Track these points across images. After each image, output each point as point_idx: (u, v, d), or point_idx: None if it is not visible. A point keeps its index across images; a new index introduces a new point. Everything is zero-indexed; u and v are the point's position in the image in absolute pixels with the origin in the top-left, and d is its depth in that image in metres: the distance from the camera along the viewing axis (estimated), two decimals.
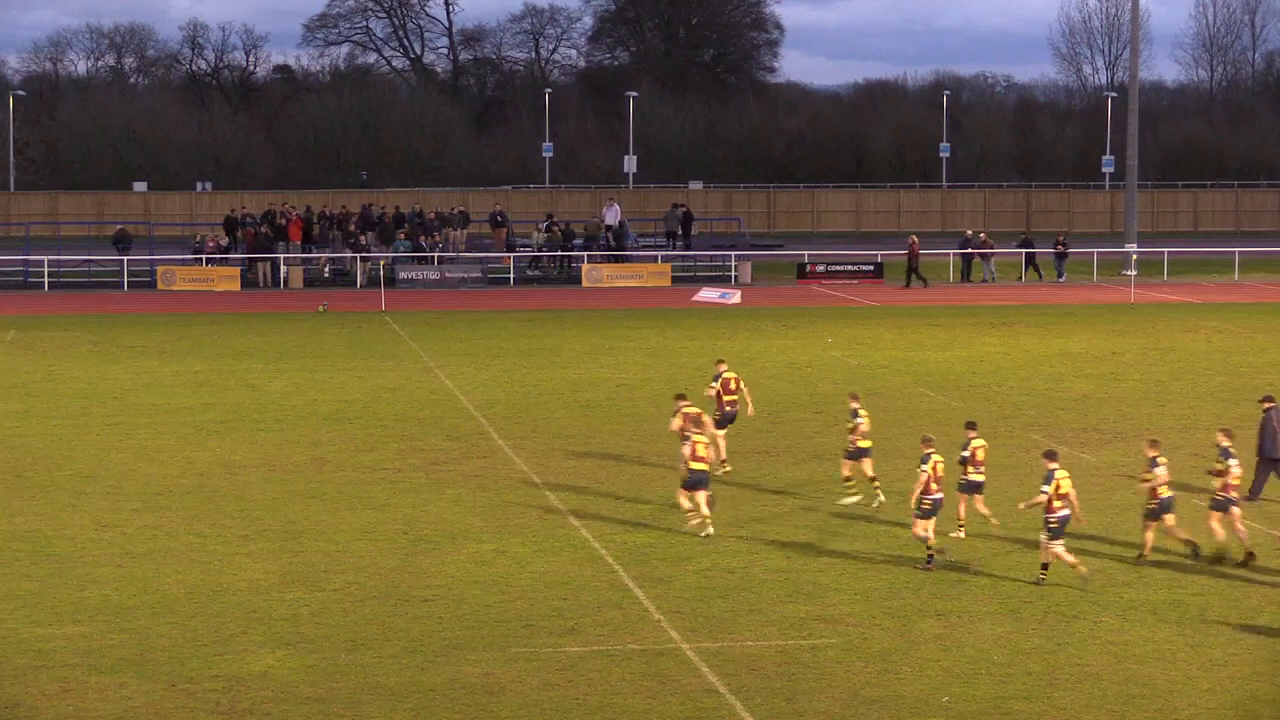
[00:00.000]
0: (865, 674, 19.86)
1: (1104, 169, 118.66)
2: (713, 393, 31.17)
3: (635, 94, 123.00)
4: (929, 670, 20.01)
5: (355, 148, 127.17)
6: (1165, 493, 24.63)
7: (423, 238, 71.26)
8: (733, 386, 31.13)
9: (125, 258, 71.14)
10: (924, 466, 24.44)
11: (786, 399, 39.84)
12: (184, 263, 70.59)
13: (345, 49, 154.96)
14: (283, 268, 69.61)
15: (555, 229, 74.21)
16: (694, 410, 28.33)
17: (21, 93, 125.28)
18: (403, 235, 70.80)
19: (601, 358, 46.83)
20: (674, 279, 71.36)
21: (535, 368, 44.49)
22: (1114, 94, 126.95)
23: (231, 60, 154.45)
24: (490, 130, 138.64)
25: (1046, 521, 23.49)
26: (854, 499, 28.38)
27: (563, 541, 25.95)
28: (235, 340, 50.44)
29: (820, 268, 73.67)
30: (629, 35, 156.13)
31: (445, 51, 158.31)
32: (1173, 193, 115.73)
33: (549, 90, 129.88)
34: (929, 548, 24.42)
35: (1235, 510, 24.89)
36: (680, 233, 76.20)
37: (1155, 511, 24.63)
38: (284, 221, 70.97)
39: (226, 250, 70.78)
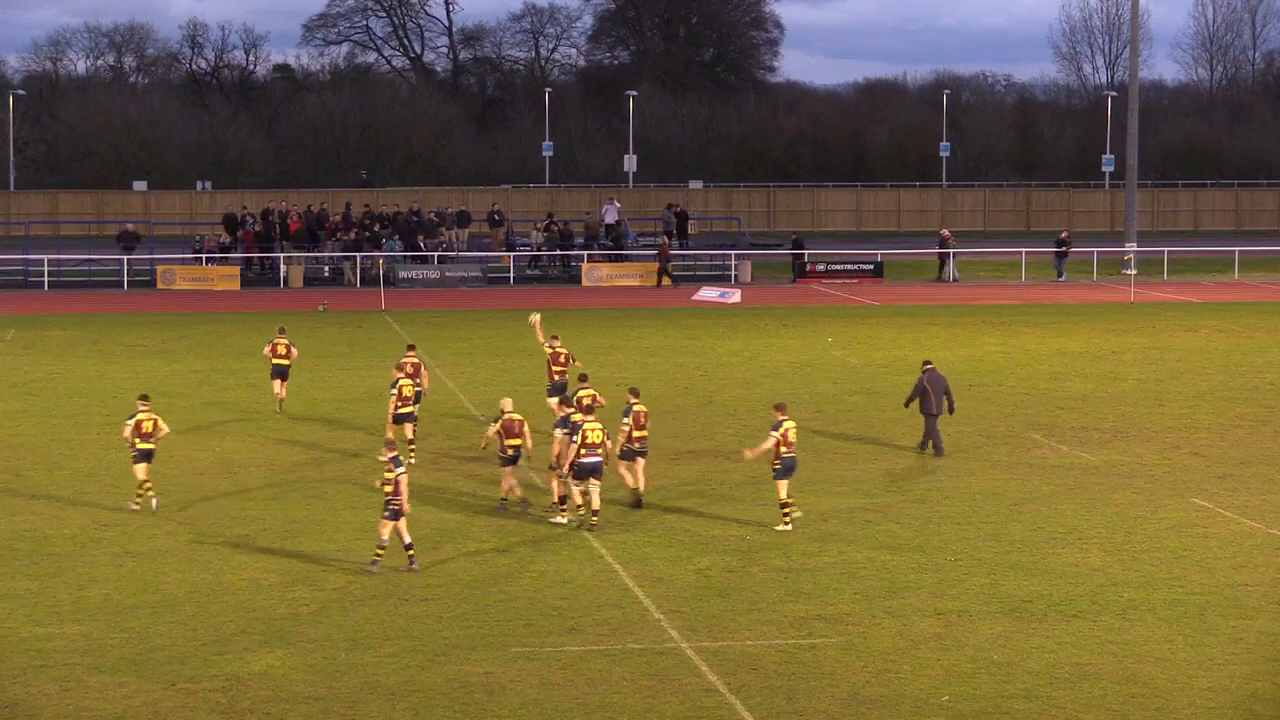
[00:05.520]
0: (865, 673, 19.87)
1: (1104, 168, 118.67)
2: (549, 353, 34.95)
3: (635, 93, 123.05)
4: (929, 670, 20.01)
5: (355, 147, 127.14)
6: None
7: (421, 237, 71.24)
8: (562, 360, 34.81)
9: (126, 257, 71.08)
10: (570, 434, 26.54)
11: (786, 398, 39.68)
12: (184, 262, 70.59)
13: (345, 48, 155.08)
14: (282, 267, 69.65)
15: (555, 228, 74.21)
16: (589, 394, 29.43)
17: (21, 92, 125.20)
18: (396, 236, 70.83)
19: (601, 357, 46.81)
20: (674, 278, 71.30)
21: (535, 367, 44.39)
22: (1114, 93, 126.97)
23: (231, 60, 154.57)
24: (490, 130, 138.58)
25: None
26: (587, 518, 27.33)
27: (562, 541, 25.96)
28: (235, 340, 50.41)
29: (820, 267, 73.71)
30: (629, 34, 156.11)
31: (445, 51, 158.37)
32: (1173, 192, 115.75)
33: (549, 89, 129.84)
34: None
35: (640, 461, 28.11)
36: (675, 233, 76.20)
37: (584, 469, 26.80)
38: (289, 222, 70.95)
39: (228, 249, 70.78)
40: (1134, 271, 72.01)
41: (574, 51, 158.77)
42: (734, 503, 28.58)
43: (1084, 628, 21.61)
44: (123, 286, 68.91)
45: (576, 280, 70.93)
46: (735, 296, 64.09)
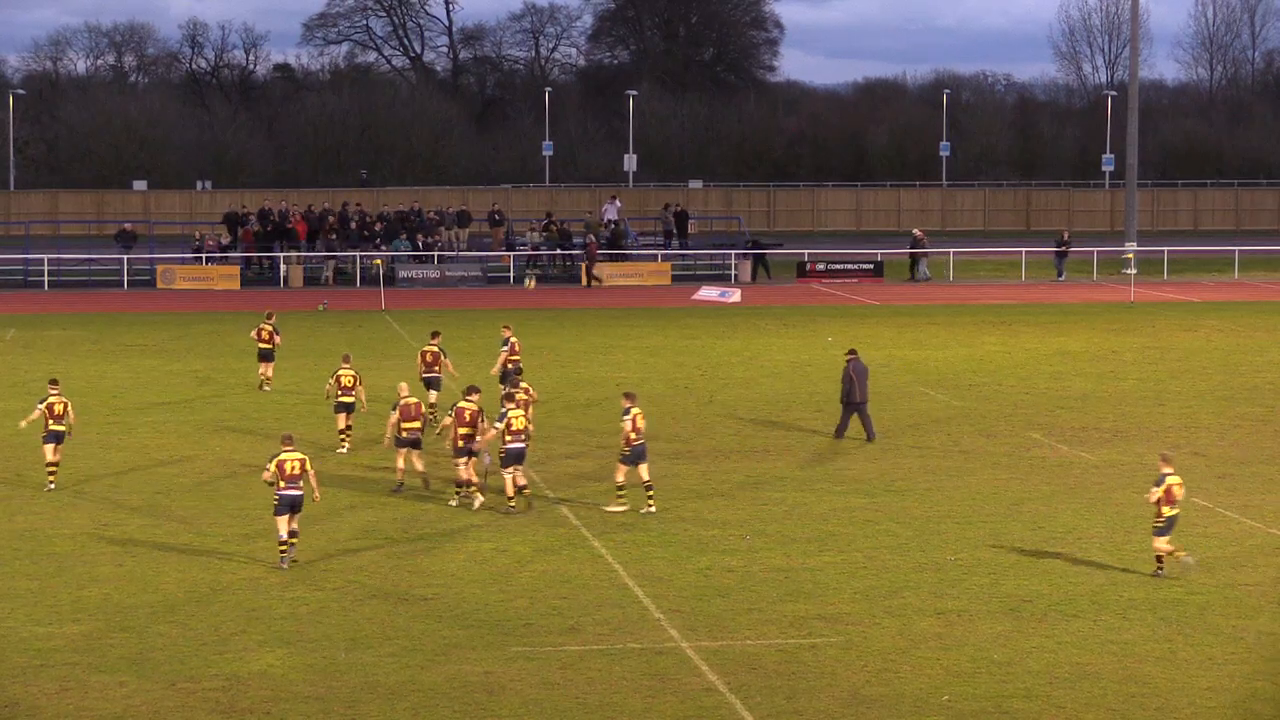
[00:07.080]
0: (865, 673, 19.87)
1: (1104, 168, 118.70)
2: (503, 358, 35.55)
3: (635, 92, 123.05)
4: (929, 669, 20.01)
5: (355, 147, 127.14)
6: None
7: (421, 236, 71.26)
8: (516, 349, 35.64)
9: (126, 256, 71.07)
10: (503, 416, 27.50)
11: (786, 398, 39.86)
12: (184, 261, 70.59)
13: (345, 48, 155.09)
14: (282, 267, 69.63)
15: (553, 228, 74.18)
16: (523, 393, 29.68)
17: (22, 92, 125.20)
18: (403, 235, 70.88)
19: (601, 357, 46.84)
20: (674, 278, 71.37)
21: (535, 367, 44.40)
22: (1114, 93, 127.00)
23: (231, 59, 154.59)
24: (490, 129, 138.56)
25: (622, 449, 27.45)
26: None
27: (562, 540, 25.96)
28: (235, 339, 50.36)
29: (820, 266, 73.73)
30: (629, 34, 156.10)
31: (445, 50, 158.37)
32: (1172, 192, 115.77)
33: (549, 89, 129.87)
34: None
35: (478, 459, 28.50)
36: (675, 232, 76.22)
37: None
38: (289, 224, 70.94)
39: (228, 248, 70.77)
40: (1134, 271, 72.01)
41: (574, 51, 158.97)
42: (734, 502, 28.58)
43: (1084, 628, 21.61)
44: (123, 286, 68.91)
45: (576, 280, 70.91)
46: (735, 296, 64.09)
